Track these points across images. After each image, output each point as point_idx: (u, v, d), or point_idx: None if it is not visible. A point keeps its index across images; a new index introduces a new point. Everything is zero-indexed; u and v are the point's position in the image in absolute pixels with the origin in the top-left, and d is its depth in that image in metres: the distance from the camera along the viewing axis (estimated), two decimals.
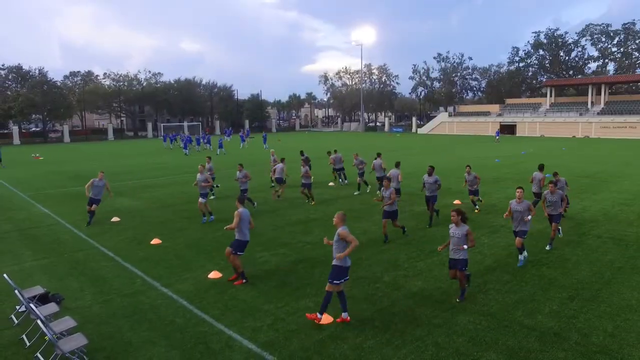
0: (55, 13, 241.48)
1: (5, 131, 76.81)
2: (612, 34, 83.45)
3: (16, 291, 7.88)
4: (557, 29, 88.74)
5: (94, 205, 15.49)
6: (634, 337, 7.34)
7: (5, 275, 8.64)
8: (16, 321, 8.29)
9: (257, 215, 16.28)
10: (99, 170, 16.65)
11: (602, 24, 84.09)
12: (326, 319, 8.06)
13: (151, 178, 27.59)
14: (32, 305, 7.47)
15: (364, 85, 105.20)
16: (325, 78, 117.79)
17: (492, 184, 22.49)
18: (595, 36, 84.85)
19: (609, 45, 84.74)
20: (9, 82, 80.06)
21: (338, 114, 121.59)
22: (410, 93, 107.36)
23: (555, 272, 10.34)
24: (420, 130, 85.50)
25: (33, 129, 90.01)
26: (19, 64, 79.05)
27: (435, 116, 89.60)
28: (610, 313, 8.18)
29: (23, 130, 78.90)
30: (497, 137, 57.48)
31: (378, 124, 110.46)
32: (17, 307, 8.66)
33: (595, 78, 75.90)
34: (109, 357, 7.12)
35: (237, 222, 9.73)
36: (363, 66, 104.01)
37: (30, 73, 78.60)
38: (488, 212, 16.27)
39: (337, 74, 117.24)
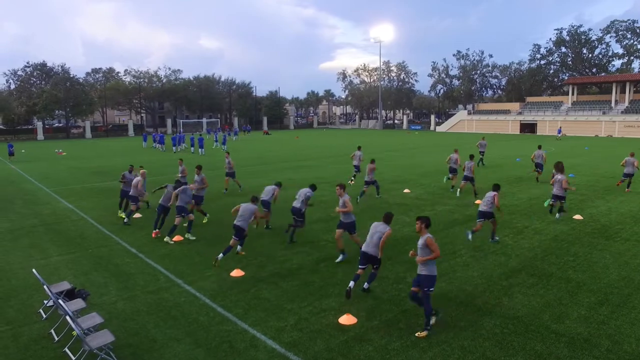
0: (77, 11, 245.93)
1: (30, 127, 78.43)
2: (638, 31, 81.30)
3: (44, 287, 8.00)
4: (580, 26, 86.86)
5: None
6: None
7: (34, 270, 8.80)
8: (45, 315, 8.43)
9: (276, 214, 16.31)
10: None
11: (628, 20, 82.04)
12: (350, 319, 8.01)
13: (167, 175, 27.82)
14: (60, 301, 7.57)
15: (382, 82, 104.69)
16: (343, 75, 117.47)
17: (515, 184, 22.15)
18: (621, 33, 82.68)
19: (635, 42, 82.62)
20: (34, 79, 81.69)
21: (356, 112, 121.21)
22: (429, 91, 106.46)
23: (582, 275, 10.12)
24: (438, 128, 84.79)
25: (56, 124, 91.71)
26: (44, 61, 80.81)
27: (454, 114, 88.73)
28: None
29: (46, 126, 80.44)
30: (559, 135, 56.43)
31: (396, 121, 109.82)
32: (45, 302, 8.81)
33: (620, 75, 74.13)
34: (135, 353, 7.19)
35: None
36: (381, 63, 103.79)
37: (54, 70, 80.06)
38: (512, 213, 16.01)
39: (355, 71, 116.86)
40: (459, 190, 19.60)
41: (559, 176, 15.15)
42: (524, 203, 17.70)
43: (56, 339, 7.55)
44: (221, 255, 10.94)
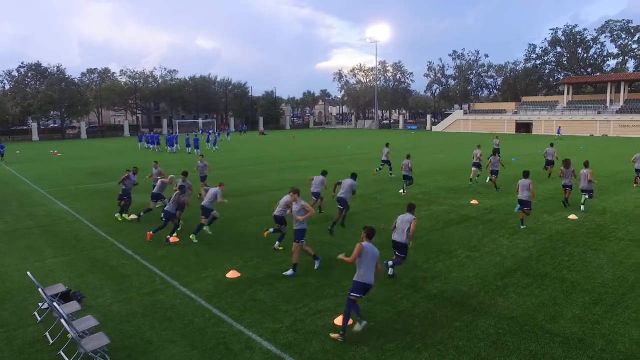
0: (74, 11, 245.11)
1: (25, 128, 78.09)
2: (632, 31, 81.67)
3: (39, 289, 7.97)
4: (575, 26, 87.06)
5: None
6: None
7: (28, 273, 8.78)
8: (39, 318, 8.40)
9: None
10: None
11: (623, 20, 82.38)
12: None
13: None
14: (55, 304, 7.55)
15: (378, 82, 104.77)
16: (339, 75, 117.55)
17: (511, 184, 22.18)
18: (615, 33, 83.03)
19: (630, 42, 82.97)
20: (29, 80, 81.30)
21: (352, 112, 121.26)
22: (425, 91, 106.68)
23: (577, 275, 10.17)
24: (435, 128, 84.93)
25: (51, 125, 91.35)
26: (38, 61, 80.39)
27: (450, 114, 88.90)
28: (637, 319, 8.01)
29: (42, 127, 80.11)
30: (558, 135, 56.66)
31: (392, 120, 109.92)
32: (40, 305, 8.78)
33: (615, 75, 74.41)
34: (131, 356, 7.18)
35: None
36: (378, 63, 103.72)
37: (49, 70, 79.73)
38: (507, 213, 16.06)
39: (351, 71, 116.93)
40: (490, 181, 21.41)
41: (584, 170, 16.43)
42: None
43: (51, 342, 7.53)
44: (278, 243, 12.13)
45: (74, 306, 8.03)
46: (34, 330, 8.04)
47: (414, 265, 10.94)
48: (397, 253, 10.26)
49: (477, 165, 22.12)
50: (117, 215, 16.13)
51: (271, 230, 12.00)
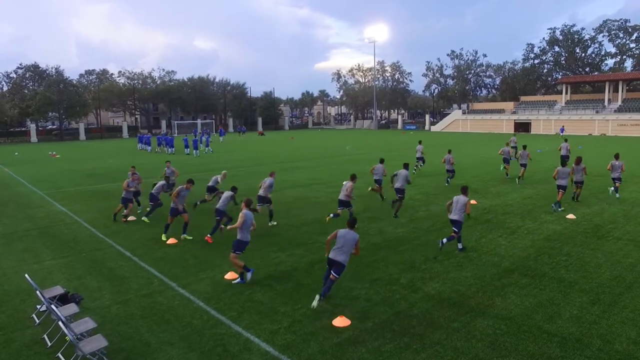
0: (72, 12, 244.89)
1: (23, 129, 77.96)
2: (630, 30, 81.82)
3: (37, 292, 7.97)
4: (573, 25, 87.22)
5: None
6: None
7: (26, 275, 8.76)
8: (37, 321, 8.40)
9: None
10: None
11: (620, 19, 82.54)
12: (343, 322, 8.03)
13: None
14: (52, 306, 7.54)
15: (376, 82, 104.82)
16: (338, 75, 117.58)
17: (509, 184, 22.24)
18: (613, 32, 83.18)
19: (627, 42, 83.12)
20: (27, 81, 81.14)
21: (351, 112, 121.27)
22: (423, 90, 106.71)
23: (575, 275, 10.19)
24: (433, 128, 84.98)
25: (49, 126, 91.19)
26: (36, 62, 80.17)
27: (448, 114, 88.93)
28: (634, 319, 8.03)
29: (40, 128, 79.98)
30: (562, 134, 56.89)
31: (391, 119, 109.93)
32: (38, 307, 8.78)
33: (613, 75, 74.55)
34: (129, 358, 7.18)
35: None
36: (376, 63, 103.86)
37: (47, 72, 79.57)
38: (505, 213, 16.09)
39: (350, 71, 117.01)
40: (518, 178, 22.72)
41: (616, 162, 18.18)
42: (517, 203, 17.79)
43: (49, 344, 7.53)
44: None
45: (71, 308, 8.03)
46: (32, 333, 8.03)
47: (411, 266, 10.96)
48: (454, 229, 11.96)
49: (507, 161, 24.46)
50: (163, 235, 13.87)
51: (332, 215, 14.29)
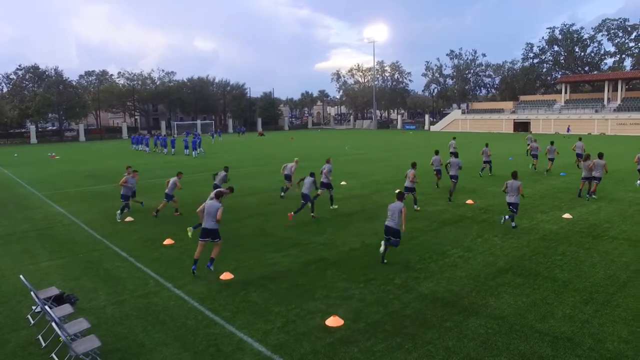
0: (72, 13, 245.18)
1: (23, 130, 78.07)
2: (629, 29, 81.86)
3: (32, 293, 8.02)
4: (572, 25, 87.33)
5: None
6: None
7: (21, 276, 8.81)
8: (32, 321, 8.45)
9: (268, 215, 16.39)
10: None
11: (619, 18, 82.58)
12: (336, 321, 8.08)
13: (161, 177, 27.81)
14: (47, 307, 7.60)
15: (376, 82, 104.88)
16: (337, 75, 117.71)
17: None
18: (612, 31, 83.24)
19: (626, 41, 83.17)
20: (26, 82, 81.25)
21: (350, 112, 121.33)
22: (423, 90, 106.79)
23: (569, 274, 10.23)
24: (433, 128, 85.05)
25: (49, 128, 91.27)
26: (35, 63, 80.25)
27: (448, 113, 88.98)
28: (625, 318, 8.07)
29: (40, 130, 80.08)
30: (568, 133, 57.28)
31: (390, 119, 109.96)
32: (33, 308, 8.83)
33: (612, 74, 74.56)
34: (123, 358, 7.23)
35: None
36: (375, 63, 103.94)
37: (47, 73, 79.66)
38: (502, 213, 16.06)
39: (349, 71, 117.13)
40: (546, 170, 25.27)
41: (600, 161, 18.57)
42: None
43: (43, 345, 7.58)
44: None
45: (66, 309, 8.07)
46: (26, 334, 8.08)
47: (406, 266, 11.00)
48: (512, 209, 14.02)
49: (535, 157, 26.62)
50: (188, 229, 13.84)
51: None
